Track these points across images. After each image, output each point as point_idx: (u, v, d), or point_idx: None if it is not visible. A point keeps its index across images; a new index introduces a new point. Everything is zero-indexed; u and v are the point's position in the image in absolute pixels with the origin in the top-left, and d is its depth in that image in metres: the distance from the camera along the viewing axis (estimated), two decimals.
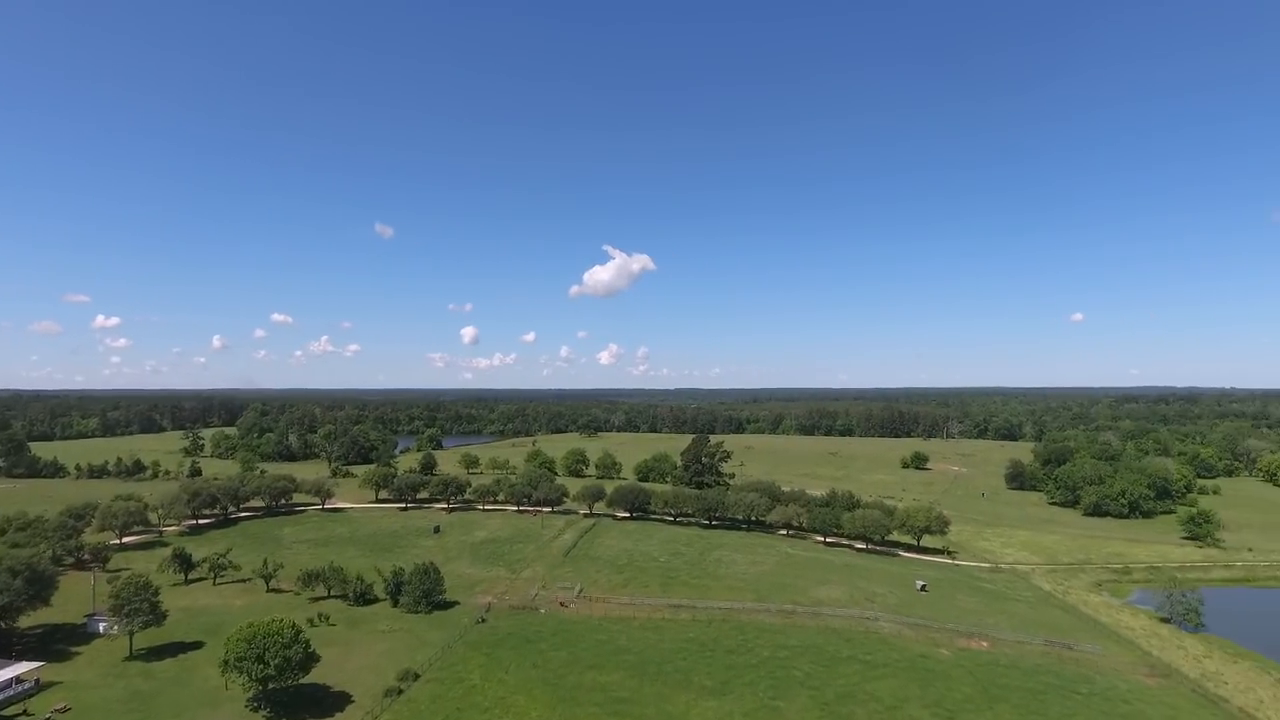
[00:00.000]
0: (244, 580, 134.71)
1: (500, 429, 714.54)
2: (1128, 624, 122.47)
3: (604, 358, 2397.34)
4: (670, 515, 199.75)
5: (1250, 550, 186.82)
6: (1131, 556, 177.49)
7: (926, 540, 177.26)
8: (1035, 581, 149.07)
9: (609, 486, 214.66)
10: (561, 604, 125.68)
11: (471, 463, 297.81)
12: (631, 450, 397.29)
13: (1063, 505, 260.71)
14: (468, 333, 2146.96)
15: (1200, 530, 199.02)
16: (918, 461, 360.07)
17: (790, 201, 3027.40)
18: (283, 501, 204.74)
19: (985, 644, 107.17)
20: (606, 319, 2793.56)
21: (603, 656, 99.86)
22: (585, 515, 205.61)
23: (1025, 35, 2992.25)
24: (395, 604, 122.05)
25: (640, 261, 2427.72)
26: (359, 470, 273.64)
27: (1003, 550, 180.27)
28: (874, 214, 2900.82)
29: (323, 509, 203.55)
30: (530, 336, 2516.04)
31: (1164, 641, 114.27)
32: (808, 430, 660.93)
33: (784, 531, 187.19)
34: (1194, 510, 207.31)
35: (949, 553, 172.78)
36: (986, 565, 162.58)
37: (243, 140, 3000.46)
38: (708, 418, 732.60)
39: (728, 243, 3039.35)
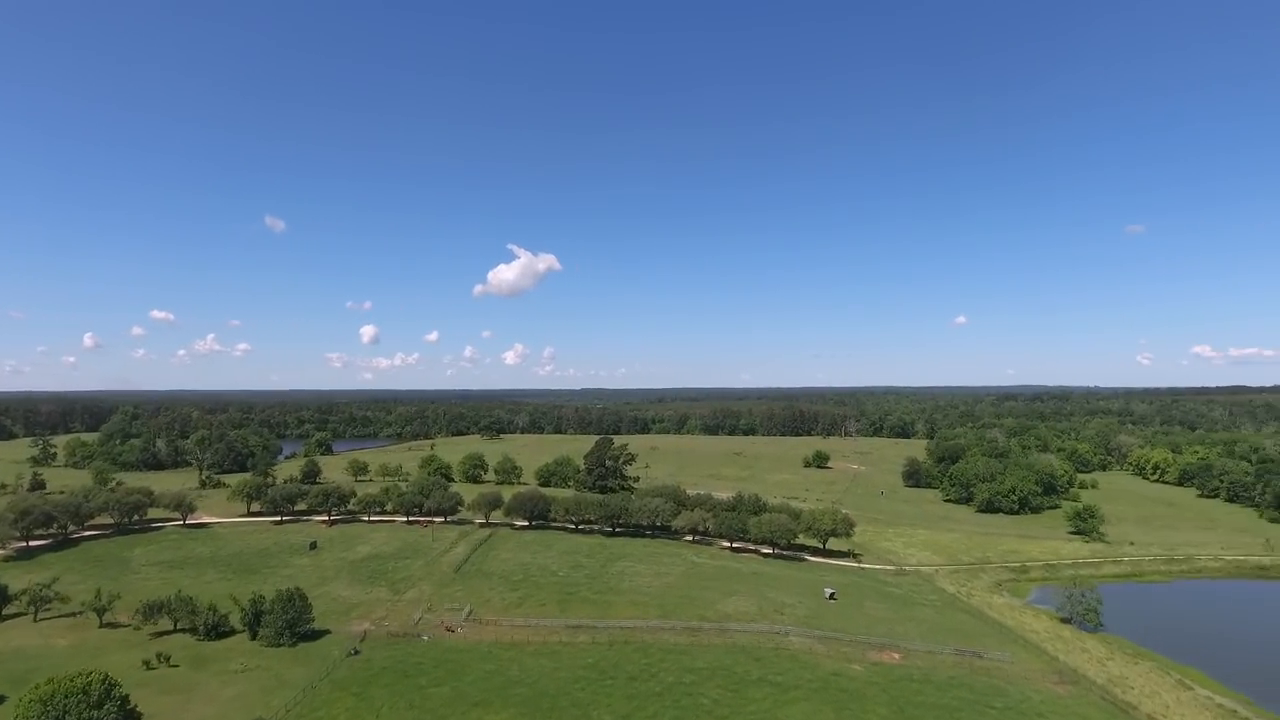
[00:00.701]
0: (74, 614, 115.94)
1: (398, 432, 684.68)
2: (1031, 626, 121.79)
3: (509, 358, 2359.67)
4: (572, 523, 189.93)
5: (1132, 544, 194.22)
6: (1026, 554, 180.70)
7: (832, 543, 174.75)
8: (939, 584, 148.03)
9: (507, 493, 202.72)
10: (448, 629, 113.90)
11: (360, 469, 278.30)
12: (534, 453, 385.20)
13: (957, 502, 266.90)
14: (367, 331, 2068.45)
15: (1086, 526, 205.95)
16: (819, 461, 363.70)
17: (693, 204, 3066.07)
18: (137, 518, 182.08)
19: (897, 656, 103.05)
20: (512, 319, 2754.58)
21: (491, 691, 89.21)
22: (481, 525, 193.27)
23: (920, 56, 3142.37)
24: (254, 637, 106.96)
25: (546, 261, 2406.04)
26: (234, 480, 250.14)
27: (905, 551, 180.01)
28: (772, 220, 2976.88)
29: (184, 525, 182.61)
30: (433, 336, 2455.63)
31: (1067, 644, 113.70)
32: (712, 430, 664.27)
33: (689, 537, 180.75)
34: (1079, 506, 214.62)
35: (854, 555, 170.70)
36: (891, 568, 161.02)
37: (118, 124, 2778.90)
38: (613, 418, 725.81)
39: (633, 244, 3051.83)
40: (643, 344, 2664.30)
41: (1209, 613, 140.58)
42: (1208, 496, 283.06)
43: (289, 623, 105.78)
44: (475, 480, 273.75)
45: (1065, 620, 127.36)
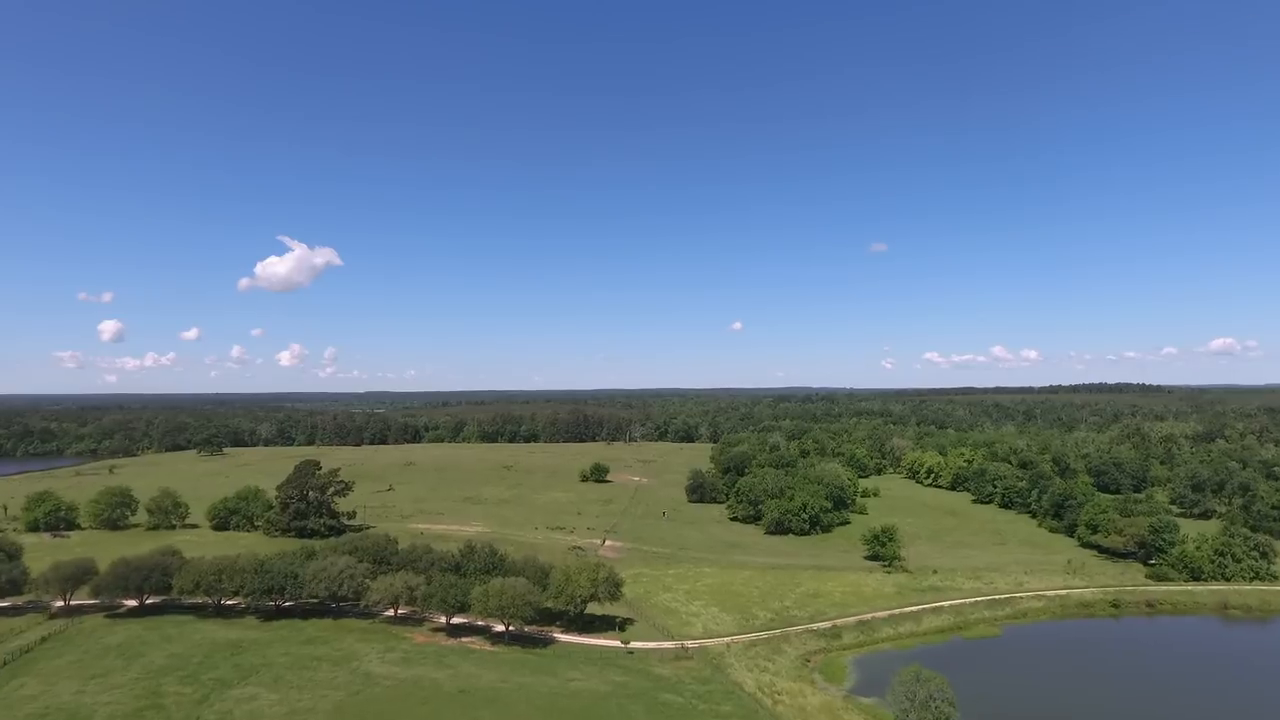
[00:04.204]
0: None
1: (92, 448, 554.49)
2: None
3: (285, 358, 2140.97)
4: (211, 602, 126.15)
5: (935, 572, 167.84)
6: (829, 596, 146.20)
7: (593, 607, 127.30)
8: (734, 675, 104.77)
9: (155, 544, 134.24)
10: None
11: None
12: (255, 475, 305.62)
13: (745, 521, 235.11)
14: (108, 328, 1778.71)
15: (885, 552, 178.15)
16: (598, 474, 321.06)
17: (485, 203, 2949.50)
18: None
19: None
20: (287, 316, 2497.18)
21: None
22: (59, 610, 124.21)
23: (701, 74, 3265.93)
24: None
25: (324, 255, 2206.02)
26: None
27: (688, 608, 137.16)
28: (562, 225, 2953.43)
29: None
30: (193, 334, 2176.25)
31: None
32: (491, 437, 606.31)
33: (392, 612, 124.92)
34: (876, 529, 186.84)
35: (621, 627, 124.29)
36: (670, 646, 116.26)
37: None
38: (380, 425, 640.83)
39: (424, 241, 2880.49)
40: (433, 345, 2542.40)
41: (1059, 688, 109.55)
42: (982, 502, 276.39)
43: None
44: (115, 526, 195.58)
45: None
